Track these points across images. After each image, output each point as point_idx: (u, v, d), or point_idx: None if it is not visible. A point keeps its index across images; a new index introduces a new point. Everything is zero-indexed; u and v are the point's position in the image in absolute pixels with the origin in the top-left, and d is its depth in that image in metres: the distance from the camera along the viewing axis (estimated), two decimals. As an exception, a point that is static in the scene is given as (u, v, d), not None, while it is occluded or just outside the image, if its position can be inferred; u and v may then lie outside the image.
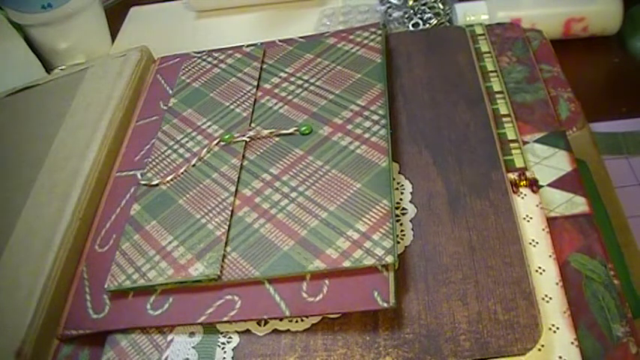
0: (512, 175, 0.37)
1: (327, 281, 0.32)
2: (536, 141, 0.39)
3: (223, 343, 0.32)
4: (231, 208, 0.37)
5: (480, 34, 0.47)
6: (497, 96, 0.42)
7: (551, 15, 0.57)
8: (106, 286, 0.35)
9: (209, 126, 0.43)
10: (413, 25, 0.60)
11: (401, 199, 0.36)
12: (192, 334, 0.33)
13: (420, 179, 0.37)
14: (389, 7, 0.63)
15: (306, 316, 0.32)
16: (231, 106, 0.44)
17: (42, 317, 0.35)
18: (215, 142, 0.41)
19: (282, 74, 0.45)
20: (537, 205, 0.35)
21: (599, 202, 0.37)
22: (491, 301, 0.31)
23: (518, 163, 0.37)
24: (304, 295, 0.32)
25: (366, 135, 0.38)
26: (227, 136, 0.41)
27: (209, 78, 0.47)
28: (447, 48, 0.45)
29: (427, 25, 0.60)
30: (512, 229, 0.33)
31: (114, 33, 0.70)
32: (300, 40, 0.49)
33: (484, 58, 0.45)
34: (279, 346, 0.32)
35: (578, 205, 0.35)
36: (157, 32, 0.69)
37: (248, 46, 0.49)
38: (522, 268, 0.32)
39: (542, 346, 0.29)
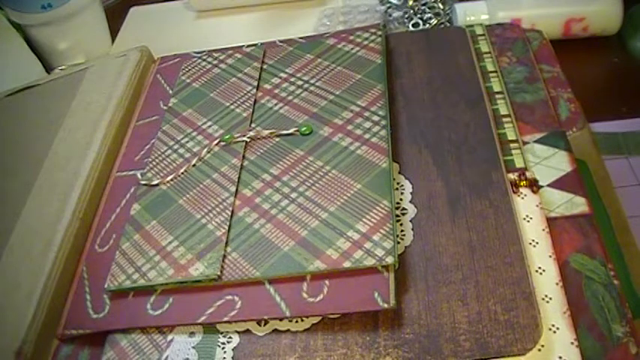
0: (512, 176, 0.37)
1: (327, 282, 0.32)
2: (536, 141, 0.39)
3: (223, 343, 0.32)
4: (231, 209, 0.37)
5: (480, 35, 0.47)
6: (497, 96, 0.42)
7: (551, 15, 0.57)
8: (106, 286, 0.35)
9: (209, 126, 0.43)
10: (413, 25, 0.60)
11: (401, 199, 0.36)
12: (192, 334, 0.33)
13: (420, 179, 0.37)
14: (389, 7, 0.63)
15: (306, 317, 0.32)
16: (232, 107, 0.44)
17: (42, 317, 0.35)
18: (215, 142, 0.41)
19: (283, 75, 0.45)
20: (537, 206, 0.35)
21: (599, 202, 0.37)
22: (491, 302, 0.31)
23: (518, 164, 0.37)
24: (304, 295, 0.32)
25: (367, 136, 0.38)
26: (227, 137, 0.41)
27: (209, 78, 0.47)
28: (447, 48, 0.45)
29: (427, 25, 0.60)
30: (512, 229, 0.33)
31: (114, 33, 0.70)
32: (301, 40, 0.49)
33: (484, 58, 0.45)
34: (279, 346, 0.32)
35: (578, 205, 0.35)
36: (157, 32, 0.69)
37: (248, 46, 0.49)
38: (522, 269, 0.32)
39: (542, 346, 0.30)
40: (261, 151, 0.40)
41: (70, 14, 0.63)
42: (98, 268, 0.37)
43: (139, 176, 0.42)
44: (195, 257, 0.35)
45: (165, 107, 0.46)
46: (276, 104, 0.43)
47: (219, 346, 0.32)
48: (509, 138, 0.39)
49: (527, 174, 0.37)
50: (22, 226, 0.40)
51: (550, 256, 0.33)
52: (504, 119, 0.40)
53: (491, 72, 0.44)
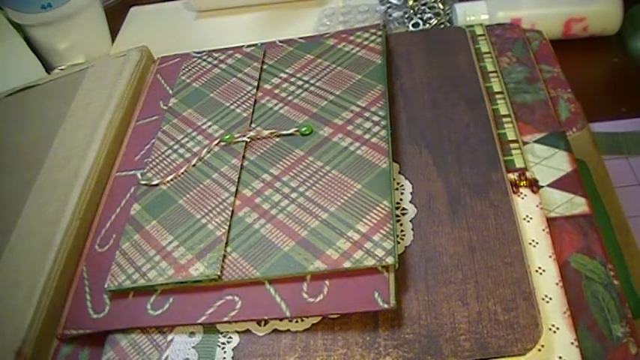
0: (512, 176, 0.37)
1: (327, 282, 0.32)
2: (536, 141, 0.39)
3: (223, 343, 0.32)
4: (231, 209, 0.37)
5: (480, 35, 0.47)
6: (497, 96, 0.42)
7: (551, 15, 0.57)
8: (106, 285, 0.35)
9: (209, 126, 0.43)
10: (413, 25, 0.60)
11: (401, 200, 0.36)
12: (192, 334, 0.33)
13: (420, 179, 0.37)
14: (389, 7, 0.63)
15: (306, 317, 0.32)
16: (232, 107, 0.44)
17: (42, 317, 0.35)
18: (215, 142, 0.41)
19: (283, 75, 0.45)
20: (537, 206, 0.35)
21: (599, 202, 0.37)
22: (491, 302, 0.31)
23: (518, 164, 0.37)
24: (304, 295, 0.32)
25: (367, 136, 0.38)
26: (227, 137, 0.41)
27: (209, 78, 0.47)
28: (447, 48, 0.45)
29: (427, 25, 0.60)
30: (513, 229, 0.33)
31: (114, 33, 0.70)
32: (301, 40, 0.49)
33: (484, 58, 0.45)
34: (279, 346, 0.32)
35: (578, 205, 0.35)
36: (157, 32, 0.69)
37: (248, 46, 0.49)
38: (522, 269, 0.32)
39: (542, 346, 0.30)
40: (261, 151, 0.40)
41: (70, 14, 0.63)
42: (98, 268, 0.37)
43: (139, 176, 0.42)
44: (196, 257, 0.35)
45: (165, 107, 0.46)
46: (276, 104, 0.43)
47: (219, 346, 0.32)
48: (509, 138, 0.39)
49: (527, 174, 0.37)
50: (22, 226, 0.40)
51: (550, 257, 0.33)
52: (504, 119, 0.40)
53: (491, 72, 0.44)
